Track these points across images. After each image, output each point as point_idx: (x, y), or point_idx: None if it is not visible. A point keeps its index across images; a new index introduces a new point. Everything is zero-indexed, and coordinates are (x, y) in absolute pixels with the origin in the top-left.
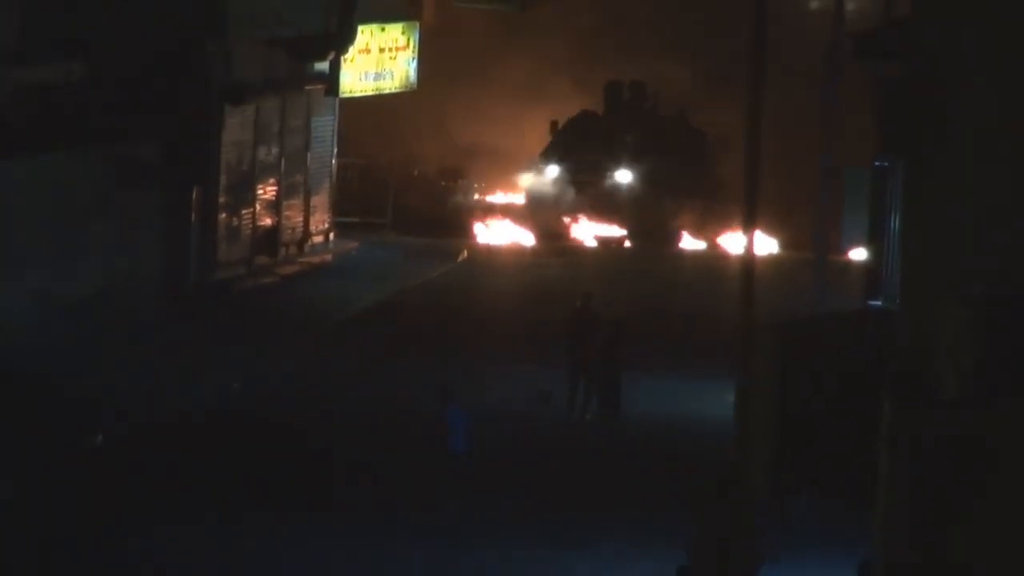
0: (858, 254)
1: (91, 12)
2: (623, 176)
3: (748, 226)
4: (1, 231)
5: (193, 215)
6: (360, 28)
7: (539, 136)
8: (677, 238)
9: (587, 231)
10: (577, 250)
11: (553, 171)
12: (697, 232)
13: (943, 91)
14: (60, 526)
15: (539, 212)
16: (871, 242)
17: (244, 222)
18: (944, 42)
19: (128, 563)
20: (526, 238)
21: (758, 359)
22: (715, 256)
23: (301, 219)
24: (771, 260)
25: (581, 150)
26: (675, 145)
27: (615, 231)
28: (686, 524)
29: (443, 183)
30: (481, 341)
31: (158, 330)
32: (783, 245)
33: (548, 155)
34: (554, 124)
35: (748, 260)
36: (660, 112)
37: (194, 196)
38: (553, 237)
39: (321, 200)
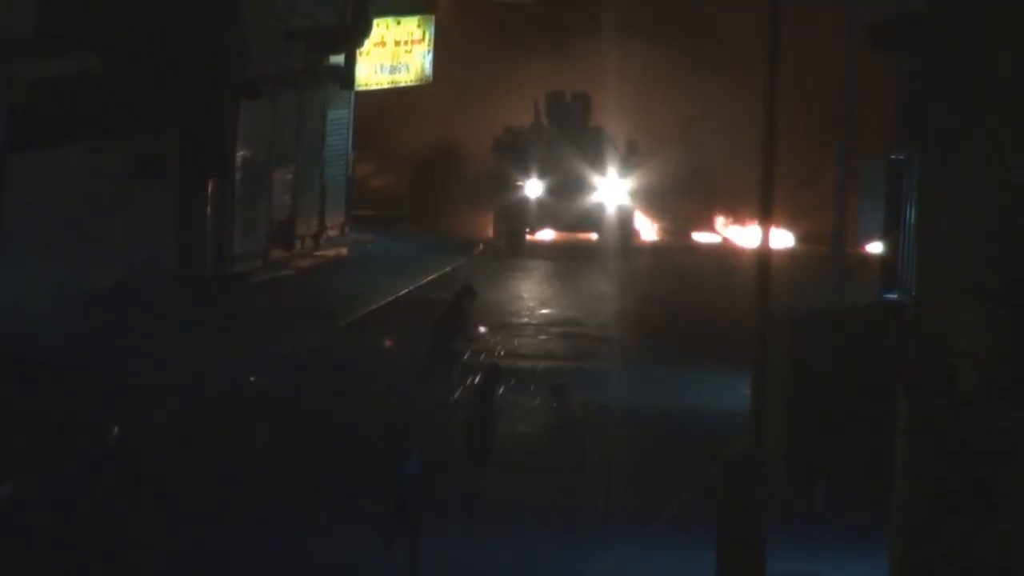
0: (875, 247)
1: (108, 4)
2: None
3: (764, 219)
4: (21, 223)
5: (209, 207)
6: (375, 21)
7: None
8: (691, 232)
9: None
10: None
11: (535, 186)
12: (707, 226)
13: (964, 81)
14: (73, 518)
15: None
16: (887, 235)
17: (260, 214)
18: (965, 30)
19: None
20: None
21: (774, 351)
22: (728, 250)
23: (317, 212)
24: (787, 253)
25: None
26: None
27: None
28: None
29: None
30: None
31: (175, 321)
32: (800, 239)
33: (515, 168)
34: (498, 140)
35: (763, 253)
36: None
37: (210, 188)
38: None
39: (337, 193)
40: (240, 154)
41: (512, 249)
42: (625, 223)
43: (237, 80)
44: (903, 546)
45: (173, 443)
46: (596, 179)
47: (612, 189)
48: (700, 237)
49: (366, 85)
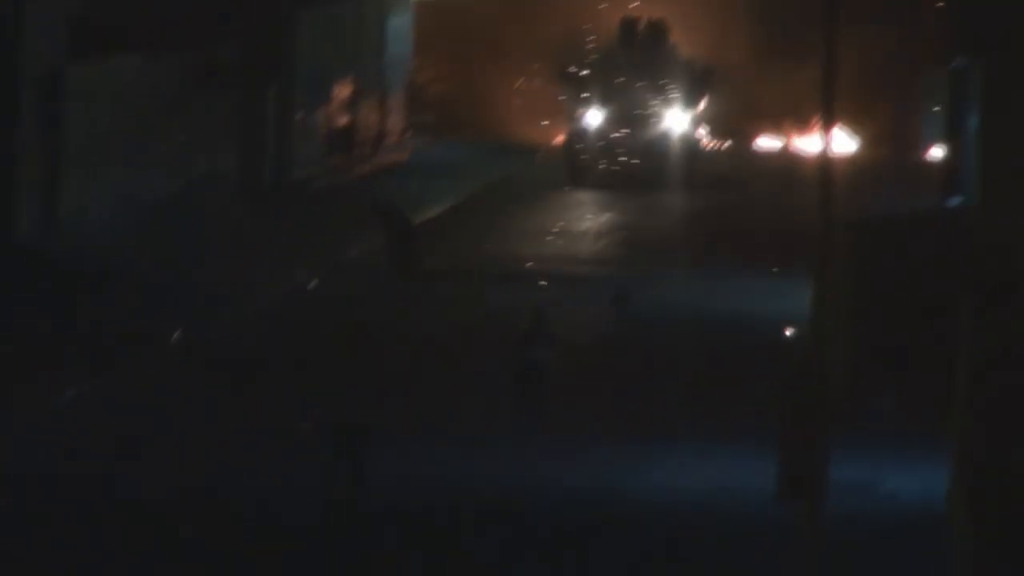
0: (937, 154)
1: None
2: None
3: (826, 124)
4: (81, 133)
5: (269, 115)
6: None
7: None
8: (752, 138)
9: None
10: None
11: (595, 116)
12: (774, 132)
13: None
14: (137, 423)
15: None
16: (949, 141)
17: (319, 122)
18: None
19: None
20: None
21: (837, 257)
22: (790, 156)
23: (377, 119)
24: (849, 159)
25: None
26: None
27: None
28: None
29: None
30: (553, 244)
31: (235, 229)
32: (863, 144)
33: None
34: (564, 68)
35: (825, 158)
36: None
37: (270, 96)
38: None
39: (397, 100)
40: (300, 62)
41: (573, 179)
42: (690, 153)
43: None
44: (963, 450)
45: (237, 348)
46: (663, 109)
47: (679, 118)
48: (763, 143)
49: None
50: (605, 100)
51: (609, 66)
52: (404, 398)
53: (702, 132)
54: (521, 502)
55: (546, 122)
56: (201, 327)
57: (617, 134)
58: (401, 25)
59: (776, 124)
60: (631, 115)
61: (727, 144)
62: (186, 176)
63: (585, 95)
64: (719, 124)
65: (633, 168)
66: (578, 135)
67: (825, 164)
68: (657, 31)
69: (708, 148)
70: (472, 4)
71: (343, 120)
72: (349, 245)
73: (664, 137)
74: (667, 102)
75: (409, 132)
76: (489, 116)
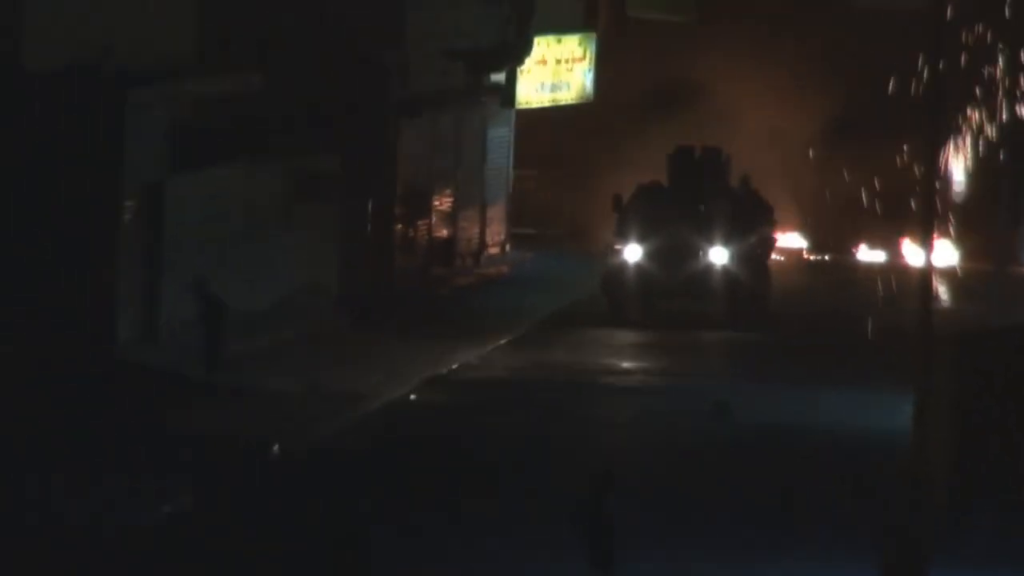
0: None
1: (269, 24)
2: (717, 255)
3: (926, 239)
4: (181, 242)
5: (369, 227)
6: (536, 40)
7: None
8: (855, 248)
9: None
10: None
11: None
12: (876, 242)
13: None
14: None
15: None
16: None
17: (420, 233)
18: None
19: None
20: None
21: (938, 371)
22: (894, 267)
23: (477, 230)
24: (950, 271)
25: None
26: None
27: (796, 241)
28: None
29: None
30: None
31: (334, 341)
32: (965, 256)
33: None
34: (617, 198)
35: (925, 272)
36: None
37: (371, 208)
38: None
39: (497, 211)
40: (400, 173)
41: (616, 316)
42: (732, 287)
43: (398, 99)
44: None
45: (334, 459)
46: (710, 242)
47: (722, 252)
48: (865, 255)
49: (527, 103)
50: (650, 232)
51: (658, 196)
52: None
53: (740, 272)
54: None
55: None
56: (300, 438)
57: (661, 270)
58: (502, 136)
59: (880, 234)
60: (678, 249)
61: (827, 256)
62: (287, 287)
63: (626, 229)
64: (819, 235)
65: (677, 307)
66: (617, 272)
67: (925, 276)
68: (713, 160)
69: (759, 284)
70: (575, 118)
71: (443, 232)
72: (450, 357)
73: (711, 273)
74: (719, 235)
75: (509, 243)
76: (589, 227)
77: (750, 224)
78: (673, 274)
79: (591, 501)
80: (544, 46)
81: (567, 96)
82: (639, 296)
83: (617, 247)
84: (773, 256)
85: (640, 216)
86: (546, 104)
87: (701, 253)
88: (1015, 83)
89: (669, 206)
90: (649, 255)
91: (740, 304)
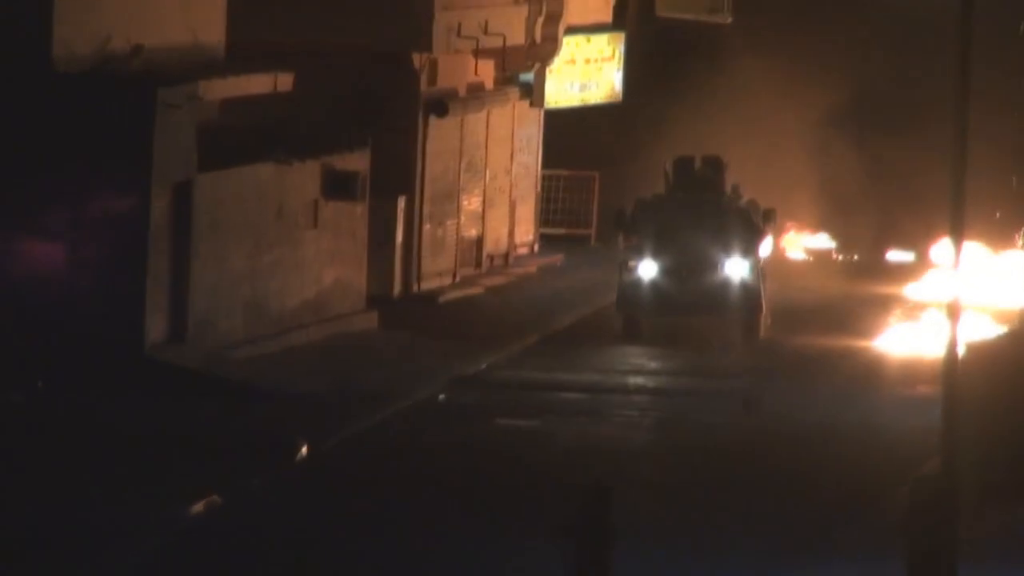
0: None
1: (296, 23)
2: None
3: (955, 239)
4: (209, 241)
5: (399, 226)
6: (565, 39)
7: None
8: (884, 249)
9: (796, 242)
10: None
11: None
12: (906, 243)
13: None
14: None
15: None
16: None
17: (448, 233)
18: None
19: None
20: None
21: (963, 374)
22: (923, 267)
23: (506, 230)
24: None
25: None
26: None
27: (824, 242)
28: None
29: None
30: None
31: (362, 340)
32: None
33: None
34: (620, 213)
35: (953, 272)
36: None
37: (400, 207)
38: None
39: (526, 211)
40: (428, 172)
41: (628, 334)
42: (749, 304)
43: (426, 98)
44: None
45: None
46: (722, 257)
47: (739, 266)
48: (894, 256)
49: (555, 103)
50: (664, 248)
51: (662, 209)
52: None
53: (758, 285)
54: None
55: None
56: (328, 439)
57: (678, 286)
58: (531, 135)
59: (909, 236)
60: (687, 264)
61: (855, 257)
62: (315, 287)
63: (635, 243)
64: (848, 236)
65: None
66: (630, 289)
67: (953, 279)
68: (713, 169)
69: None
70: (601, 116)
71: (472, 231)
72: (480, 357)
73: (723, 287)
74: (726, 248)
75: (538, 244)
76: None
77: (756, 235)
78: (691, 290)
79: (580, 519)
80: (573, 46)
81: (596, 96)
82: (657, 313)
83: (631, 264)
84: (800, 256)
85: (650, 230)
86: (575, 104)
87: (719, 267)
88: None
89: (678, 219)
90: (665, 271)
91: (759, 316)
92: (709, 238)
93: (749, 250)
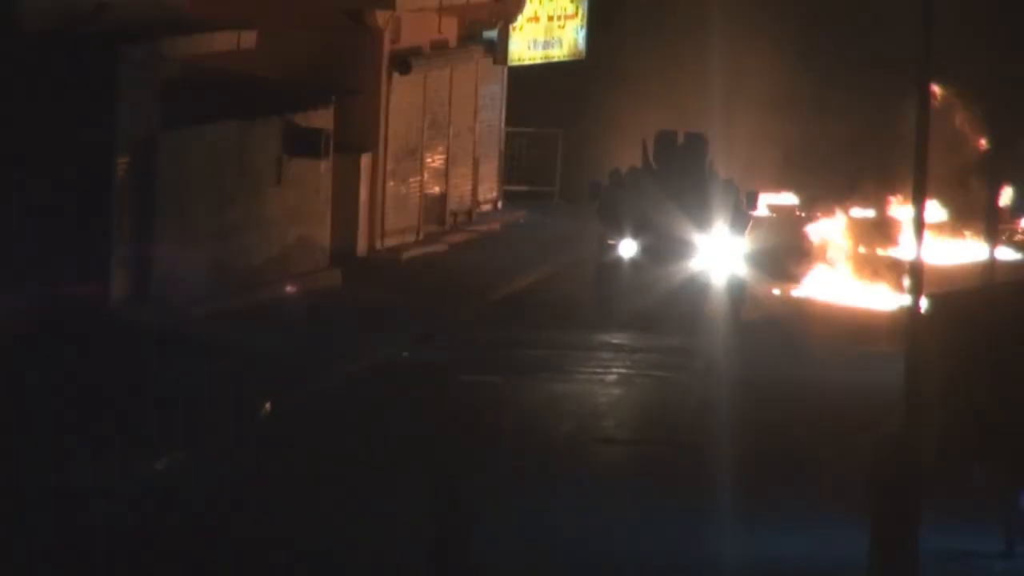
0: None
1: None
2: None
3: (917, 197)
4: (175, 202)
5: (362, 183)
6: None
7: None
8: (847, 207)
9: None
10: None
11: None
12: (866, 201)
13: None
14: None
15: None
16: None
17: (412, 190)
18: None
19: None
20: None
21: (926, 329)
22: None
23: (469, 187)
24: (938, 229)
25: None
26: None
27: (788, 199)
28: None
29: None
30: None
31: (326, 298)
32: (953, 215)
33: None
34: (595, 184)
35: (916, 230)
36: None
37: (362, 164)
38: None
39: (489, 168)
40: (392, 130)
41: (606, 313)
42: (734, 288)
43: (390, 56)
44: None
45: (324, 417)
46: (704, 238)
47: (722, 251)
48: (856, 213)
49: (519, 60)
50: (645, 226)
51: (643, 185)
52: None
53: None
54: None
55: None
56: (290, 395)
57: (660, 266)
58: (494, 92)
59: (870, 193)
60: (677, 243)
61: (818, 214)
62: (280, 244)
63: (613, 220)
64: (810, 196)
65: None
66: (608, 269)
67: (916, 235)
68: (695, 146)
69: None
70: (564, 74)
71: (436, 188)
72: (444, 314)
73: (704, 274)
74: (711, 229)
75: (502, 200)
76: (580, 185)
77: (739, 214)
78: (673, 270)
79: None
80: (536, 3)
81: (559, 53)
82: (637, 294)
83: (610, 242)
84: (766, 213)
85: (629, 207)
86: (538, 61)
87: (700, 246)
88: None
89: (658, 195)
90: (646, 250)
91: (744, 298)
92: (693, 218)
93: (734, 231)
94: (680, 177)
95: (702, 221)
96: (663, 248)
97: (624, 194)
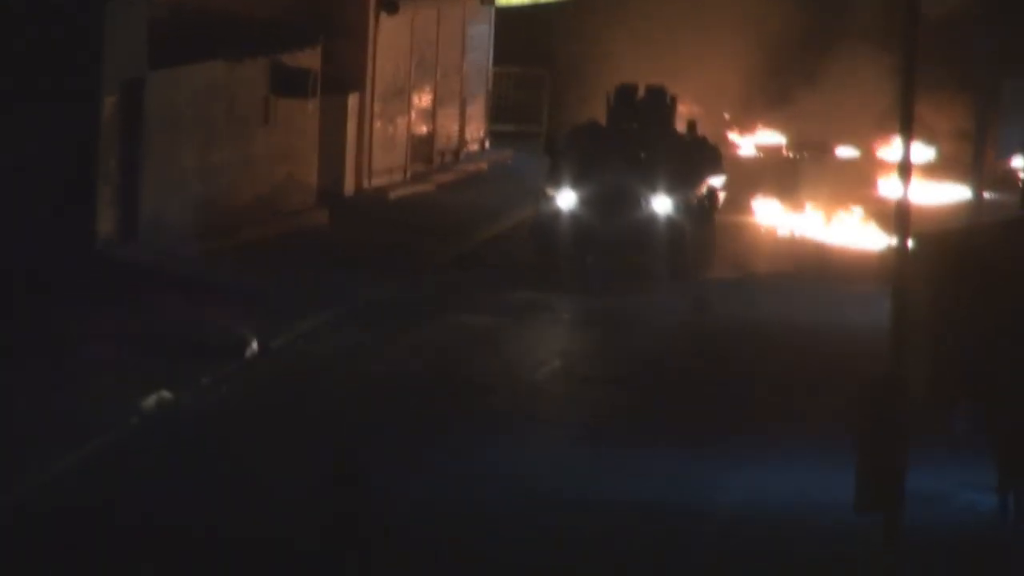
0: (1017, 163)
1: None
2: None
3: (904, 137)
4: (163, 142)
5: (349, 123)
6: None
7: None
8: (832, 147)
9: (748, 141)
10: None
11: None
12: (852, 141)
13: None
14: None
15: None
16: None
17: (399, 130)
18: None
19: None
20: None
21: (913, 269)
22: (870, 165)
23: (456, 127)
24: (925, 169)
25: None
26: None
27: (774, 138)
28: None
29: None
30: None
31: (316, 235)
32: (941, 154)
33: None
34: (550, 139)
35: (903, 169)
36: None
37: (350, 104)
38: None
39: (477, 109)
40: (379, 69)
41: (544, 267)
42: (676, 242)
43: None
44: None
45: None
46: (647, 192)
47: (664, 203)
48: (843, 153)
49: (506, 1)
50: (587, 178)
51: (596, 138)
52: None
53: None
54: (587, 516)
55: None
56: (276, 336)
57: (598, 219)
58: (482, 33)
59: (856, 134)
60: (617, 197)
61: (805, 154)
62: (267, 183)
63: (567, 169)
64: (799, 136)
65: (615, 261)
66: (547, 221)
67: (902, 175)
68: (656, 101)
69: (704, 237)
70: (552, 16)
71: (423, 128)
72: (433, 252)
73: (653, 224)
74: (663, 183)
75: (488, 141)
76: (568, 126)
77: (696, 173)
78: (611, 224)
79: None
80: None
81: None
82: (573, 248)
83: (549, 192)
84: (752, 154)
85: (576, 160)
86: (526, 1)
87: (643, 202)
88: None
89: (608, 150)
90: (585, 203)
91: (684, 257)
92: (637, 171)
93: (679, 187)
94: (639, 132)
95: (652, 177)
96: (602, 201)
97: (574, 146)
